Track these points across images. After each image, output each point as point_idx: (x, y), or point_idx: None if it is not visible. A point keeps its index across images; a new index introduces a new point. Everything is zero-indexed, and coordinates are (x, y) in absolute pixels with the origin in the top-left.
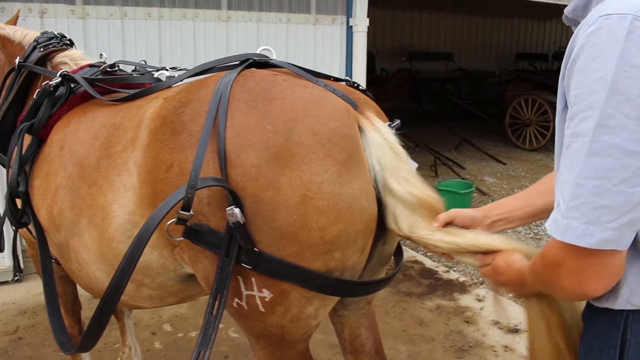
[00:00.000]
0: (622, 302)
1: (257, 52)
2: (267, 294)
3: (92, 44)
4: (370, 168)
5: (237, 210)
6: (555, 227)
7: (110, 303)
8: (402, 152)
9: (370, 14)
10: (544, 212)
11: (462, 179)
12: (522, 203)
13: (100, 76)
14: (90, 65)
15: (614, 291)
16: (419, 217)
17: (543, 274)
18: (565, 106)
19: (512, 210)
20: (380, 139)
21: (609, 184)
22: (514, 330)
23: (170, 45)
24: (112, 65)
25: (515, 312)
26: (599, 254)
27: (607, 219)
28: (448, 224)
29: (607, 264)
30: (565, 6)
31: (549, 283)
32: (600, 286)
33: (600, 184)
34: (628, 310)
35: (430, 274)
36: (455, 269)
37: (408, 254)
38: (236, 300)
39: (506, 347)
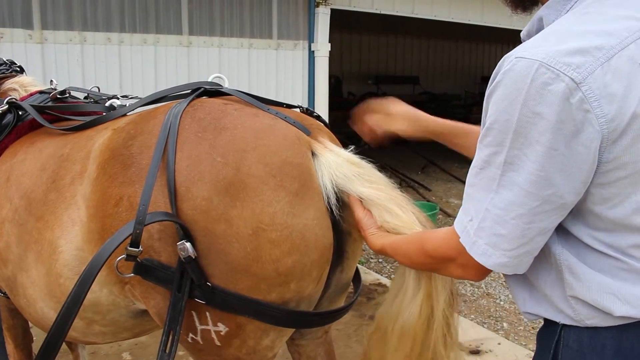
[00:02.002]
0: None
1: (209, 79)
2: (222, 327)
3: (51, 69)
4: (323, 189)
5: (188, 245)
6: (467, 238)
7: (55, 344)
8: (362, 163)
9: (337, 38)
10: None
11: (427, 201)
12: (439, 128)
13: (50, 103)
14: (40, 92)
15: (543, 298)
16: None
17: (430, 266)
18: None
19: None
20: (335, 157)
21: (508, 216)
22: (475, 352)
23: (130, 70)
24: (63, 92)
25: (477, 333)
26: None
27: (504, 247)
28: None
29: None
30: None
31: (436, 271)
32: (483, 277)
33: (501, 214)
34: (562, 326)
35: None
36: None
37: (372, 276)
38: (191, 335)
39: None
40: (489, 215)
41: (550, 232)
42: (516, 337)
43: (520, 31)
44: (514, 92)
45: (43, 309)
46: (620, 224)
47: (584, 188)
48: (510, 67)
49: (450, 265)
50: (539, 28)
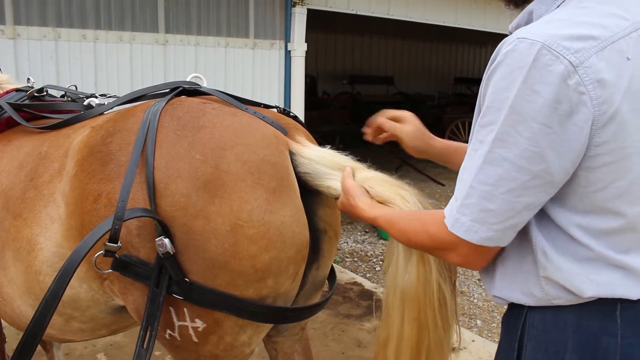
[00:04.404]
0: (517, 294)
1: (188, 79)
2: (200, 323)
3: (24, 65)
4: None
5: (166, 241)
6: (449, 217)
7: (32, 340)
8: (342, 156)
9: (312, 38)
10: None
11: None
12: (445, 148)
13: (27, 101)
14: (17, 90)
15: (513, 281)
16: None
17: (429, 249)
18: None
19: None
20: (315, 152)
21: (497, 191)
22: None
23: (106, 68)
24: (40, 90)
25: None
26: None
27: (492, 221)
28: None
29: (491, 251)
30: (498, 35)
31: (433, 254)
32: (482, 264)
33: (489, 189)
34: (528, 309)
35: (369, 295)
36: None
37: (347, 275)
38: (168, 331)
39: None
40: (474, 192)
41: (536, 210)
42: (489, 334)
43: (493, 33)
44: (516, 70)
45: (20, 307)
46: (601, 207)
47: (573, 168)
48: (513, 47)
49: (449, 253)
50: (528, 21)
